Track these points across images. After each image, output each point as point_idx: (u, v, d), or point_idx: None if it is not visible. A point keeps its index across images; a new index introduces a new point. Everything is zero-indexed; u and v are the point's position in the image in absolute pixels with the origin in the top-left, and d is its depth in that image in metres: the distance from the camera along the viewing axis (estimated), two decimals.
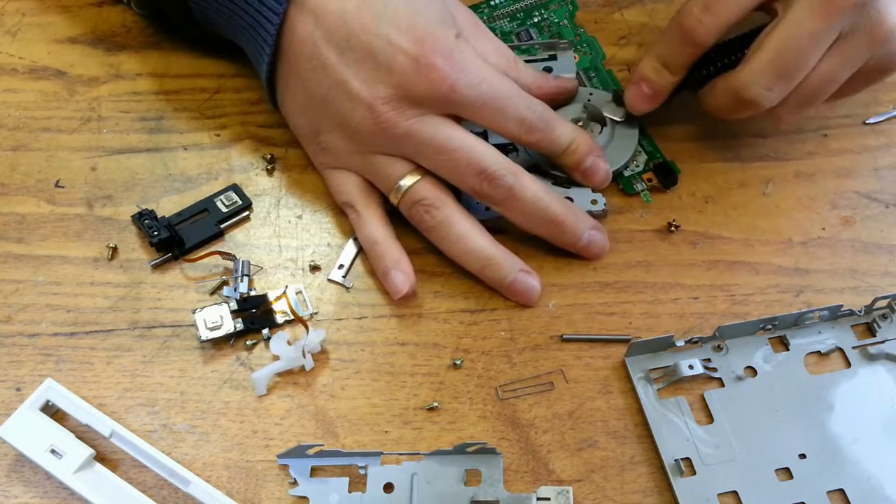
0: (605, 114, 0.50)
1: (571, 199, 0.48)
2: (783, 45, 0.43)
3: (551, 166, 0.48)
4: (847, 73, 0.44)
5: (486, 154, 0.44)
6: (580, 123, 0.50)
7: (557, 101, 0.50)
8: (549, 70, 0.52)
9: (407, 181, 0.45)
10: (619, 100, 0.49)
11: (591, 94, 0.51)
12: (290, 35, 0.45)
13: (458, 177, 0.45)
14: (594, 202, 0.48)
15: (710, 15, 0.44)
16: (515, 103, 0.45)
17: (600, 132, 0.50)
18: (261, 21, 0.45)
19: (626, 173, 0.50)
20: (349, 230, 0.48)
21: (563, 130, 0.46)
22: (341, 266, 0.47)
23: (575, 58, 0.53)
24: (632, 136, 0.50)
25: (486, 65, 0.45)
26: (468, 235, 0.45)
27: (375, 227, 0.46)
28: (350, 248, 0.48)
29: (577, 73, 0.53)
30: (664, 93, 0.47)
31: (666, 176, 0.50)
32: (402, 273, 0.45)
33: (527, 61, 0.52)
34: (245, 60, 0.50)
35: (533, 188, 0.45)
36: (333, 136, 0.46)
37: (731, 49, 0.46)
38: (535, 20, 0.55)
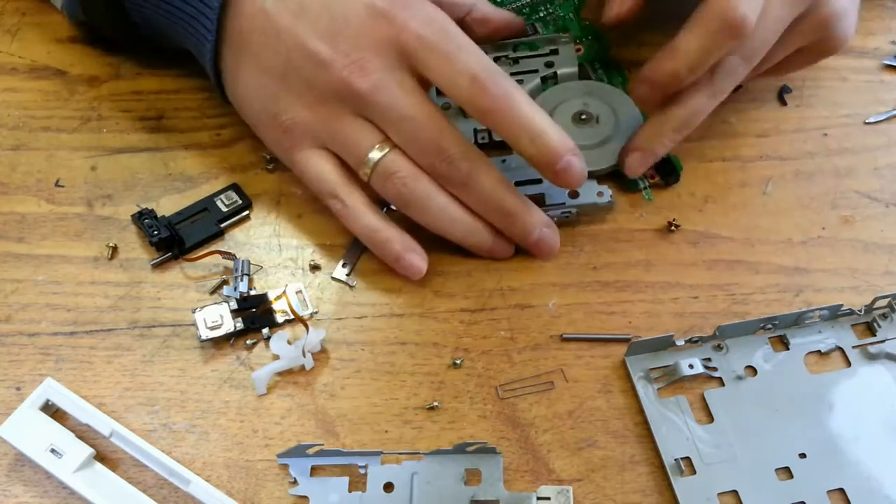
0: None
1: (577, 192, 0.48)
2: None
3: None
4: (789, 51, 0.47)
5: (448, 132, 0.43)
6: (582, 116, 0.49)
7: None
8: (550, 65, 0.52)
9: (377, 153, 0.43)
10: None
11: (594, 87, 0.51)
12: (237, 16, 0.44)
13: (416, 149, 0.43)
14: (600, 194, 0.48)
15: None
16: (467, 55, 0.42)
17: (597, 122, 0.49)
18: (201, 8, 0.44)
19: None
20: None
21: (528, 109, 0.42)
22: (345, 264, 0.47)
23: (578, 50, 0.53)
24: (635, 129, 0.49)
25: (439, 10, 0.43)
26: (448, 207, 0.45)
27: (369, 214, 0.45)
28: (355, 246, 0.48)
29: (581, 66, 0.52)
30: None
31: (668, 173, 0.49)
32: (415, 253, 0.45)
33: (528, 57, 0.52)
34: None
35: (490, 178, 0.44)
36: (296, 109, 0.44)
37: None
38: (541, 14, 0.55)
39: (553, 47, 0.53)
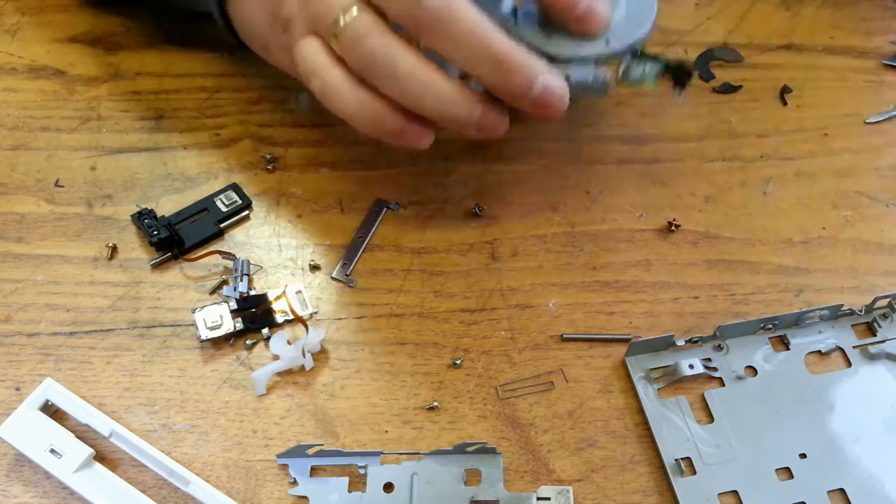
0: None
1: (569, 77, 0.41)
2: None
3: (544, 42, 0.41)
4: None
5: None
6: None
7: None
8: None
9: (346, 17, 0.39)
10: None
11: None
12: None
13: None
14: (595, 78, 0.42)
15: None
16: None
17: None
18: None
19: (632, 75, 0.42)
20: (351, 228, 0.48)
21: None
22: (345, 264, 0.47)
23: None
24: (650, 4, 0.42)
25: None
26: (418, 69, 0.39)
27: (355, 88, 0.40)
28: (355, 246, 0.48)
29: None
30: None
31: (679, 74, 0.42)
32: (417, 122, 0.40)
33: None
34: (243, 61, 0.50)
35: (471, 14, 0.38)
36: (291, 1, 0.42)
37: None
38: None
39: None
